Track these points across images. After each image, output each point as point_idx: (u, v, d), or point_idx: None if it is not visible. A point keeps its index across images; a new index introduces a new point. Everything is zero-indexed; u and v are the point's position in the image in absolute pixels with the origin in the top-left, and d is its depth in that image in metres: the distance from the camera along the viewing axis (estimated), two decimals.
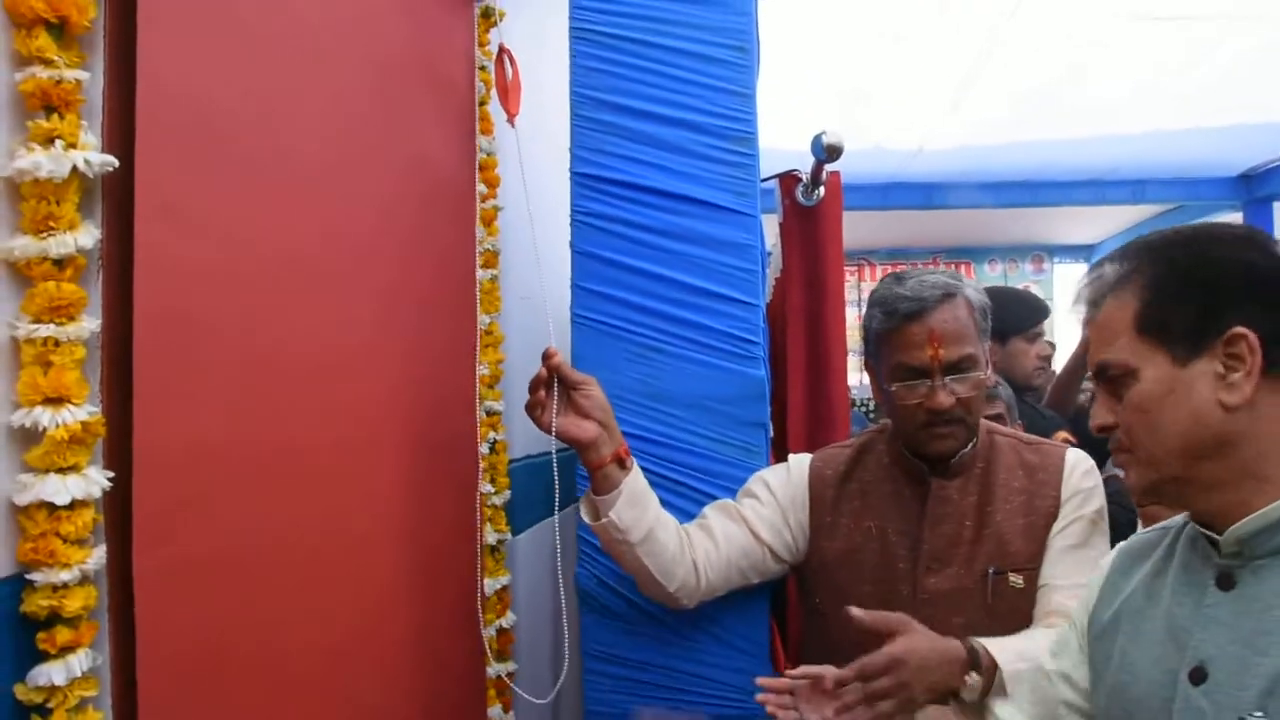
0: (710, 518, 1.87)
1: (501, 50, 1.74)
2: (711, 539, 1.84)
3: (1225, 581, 1.09)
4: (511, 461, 2.09)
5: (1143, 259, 1.15)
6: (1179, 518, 1.22)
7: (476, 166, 1.95)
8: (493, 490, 1.96)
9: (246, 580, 1.05)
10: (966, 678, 1.49)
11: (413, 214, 1.61)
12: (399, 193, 1.55)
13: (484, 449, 1.93)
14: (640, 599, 1.96)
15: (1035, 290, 7.19)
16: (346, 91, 1.35)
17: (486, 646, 1.84)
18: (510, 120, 1.77)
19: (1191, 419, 1.08)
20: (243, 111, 1.08)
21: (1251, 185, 9.78)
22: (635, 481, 1.73)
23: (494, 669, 1.93)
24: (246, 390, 1.07)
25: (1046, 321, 3.26)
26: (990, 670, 1.50)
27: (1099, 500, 1.74)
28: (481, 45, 2.01)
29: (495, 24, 2.04)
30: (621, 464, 1.72)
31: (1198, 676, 1.07)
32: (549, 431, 1.65)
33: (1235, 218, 10.05)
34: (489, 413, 1.96)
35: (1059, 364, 3.44)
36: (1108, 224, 12.27)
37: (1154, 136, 7.85)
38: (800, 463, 1.96)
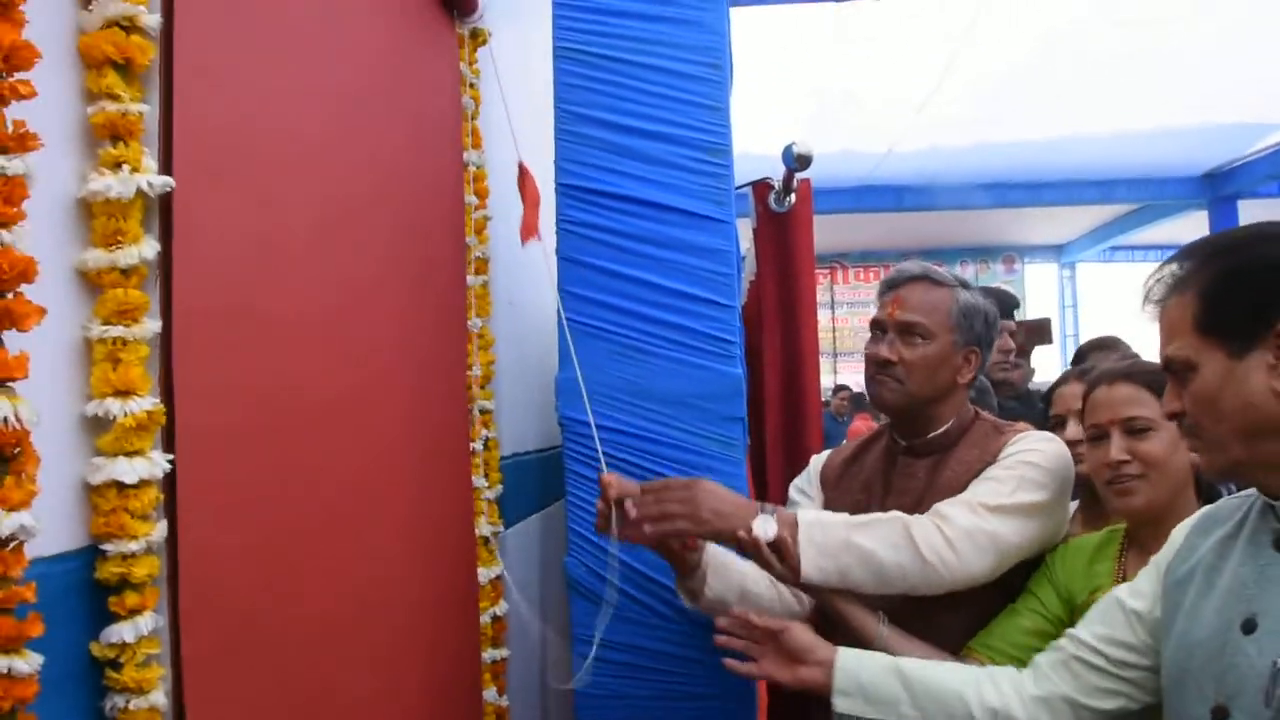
0: None
1: (523, 172, 1.84)
2: None
3: None
4: (502, 459, 2.21)
5: (1201, 261, 1.25)
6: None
7: (469, 179, 2.07)
8: (486, 484, 2.07)
9: (271, 557, 1.17)
10: (756, 520, 1.75)
11: (404, 224, 1.73)
12: (389, 204, 1.66)
13: (477, 445, 2.04)
14: (629, 587, 2.08)
15: (1009, 289, 7.31)
16: (344, 115, 1.47)
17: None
18: (523, 241, 1.89)
19: (1247, 406, 1.19)
20: (257, 132, 1.20)
21: (1215, 184, 9.99)
22: (711, 554, 1.91)
23: (489, 654, 2.05)
24: (270, 390, 1.18)
25: (1013, 316, 3.34)
26: (790, 524, 1.75)
27: (1032, 459, 1.83)
28: (470, 64, 2.13)
29: (484, 43, 2.16)
30: (688, 547, 1.89)
31: (1248, 627, 1.20)
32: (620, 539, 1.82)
33: (1201, 216, 10.28)
34: (481, 411, 2.08)
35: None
36: (1077, 224, 12.47)
37: (1121, 138, 8.04)
38: (816, 460, 2.16)
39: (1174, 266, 1.29)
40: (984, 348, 1.97)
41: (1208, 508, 1.44)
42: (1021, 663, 1.73)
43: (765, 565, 1.77)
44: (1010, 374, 3.27)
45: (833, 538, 1.75)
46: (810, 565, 1.74)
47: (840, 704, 1.59)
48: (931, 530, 1.74)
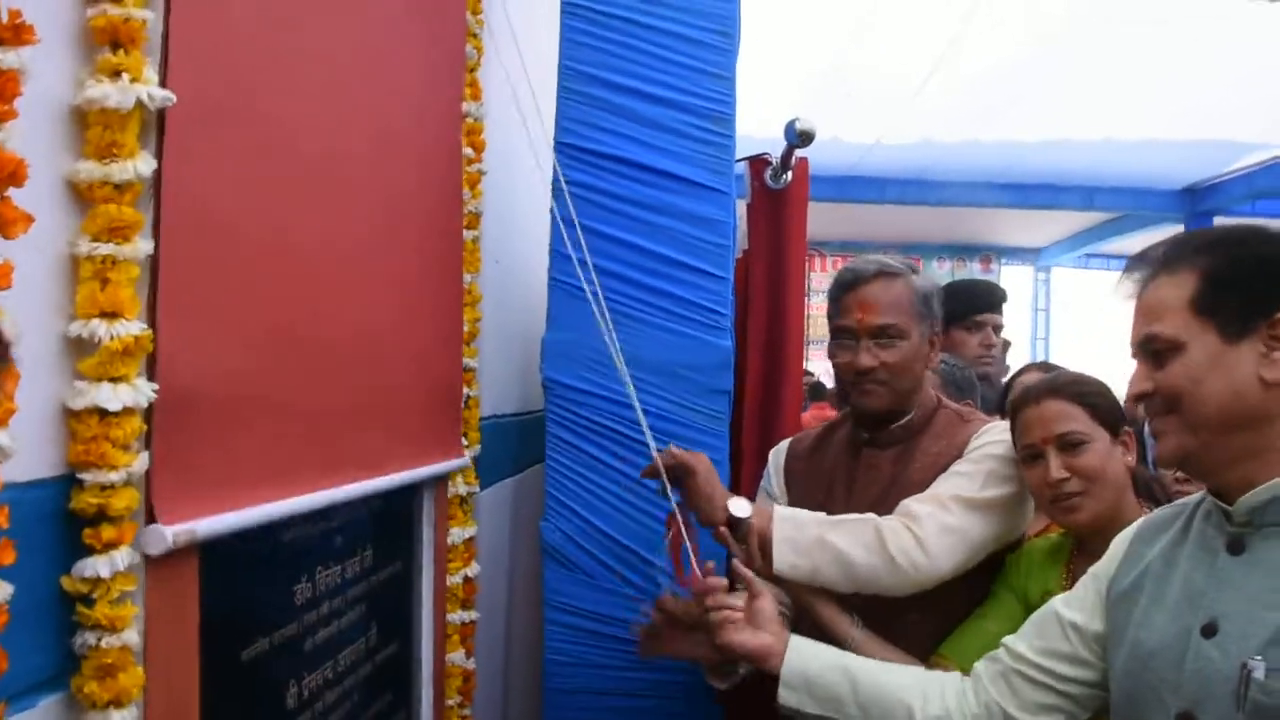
0: None
1: (671, 519, 1.83)
2: None
3: (1236, 547, 1.21)
4: (480, 419, 2.16)
5: (1200, 249, 1.25)
6: (1195, 496, 1.34)
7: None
8: (465, 444, 2.03)
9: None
10: (731, 500, 1.80)
11: (402, 171, 1.68)
12: (390, 151, 1.61)
13: None
14: (603, 554, 2.05)
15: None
16: (347, 54, 1.42)
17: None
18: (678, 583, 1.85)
19: (1232, 392, 1.18)
20: (257, 56, 1.15)
21: (1195, 199, 10.04)
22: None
23: (459, 616, 2.01)
24: (261, 324, 1.14)
25: (999, 311, 3.29)
26: (765, 517, 1.78)
27: (998, 451, 1.82)
28: (474, 13, 2.07)
29: None
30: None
31: (1209, 631, 1.19)
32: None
33: (1177, 230, 10.34)
34: (464, 369, 2.03)
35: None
36: (1054, 229, 12.51)
37: (1108, 145, 8.05)
38: (777, 451, 2.11)
39: (1164, 252, 1.28)
40: (939, 326, 1.97)
41: (1146, 517, 1.44)
42: None
43: (746, 554, 1.77)
44: (994, 369, 3.23)
45: (806, 534, 1.76)
46: (782, 560, 1.75)
47: (784, 697, 1.58)
48: (903, 532, 1.73)
